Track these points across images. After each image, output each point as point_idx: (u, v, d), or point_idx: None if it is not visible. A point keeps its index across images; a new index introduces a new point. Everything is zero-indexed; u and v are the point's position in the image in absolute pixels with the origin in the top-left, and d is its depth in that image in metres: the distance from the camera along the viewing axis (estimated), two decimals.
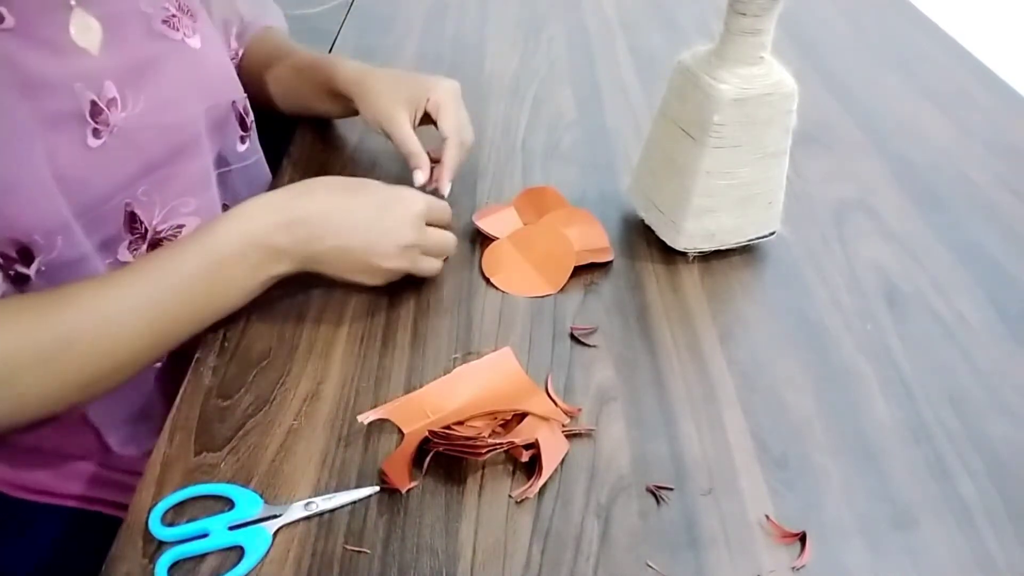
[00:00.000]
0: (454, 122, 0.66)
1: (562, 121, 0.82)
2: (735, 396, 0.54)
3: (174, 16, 0.60)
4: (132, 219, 0.58)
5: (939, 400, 0.54)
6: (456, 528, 0.46)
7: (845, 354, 0.58)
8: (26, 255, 0.51)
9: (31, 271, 0.52)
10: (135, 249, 0.59)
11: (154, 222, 0.59)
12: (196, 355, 0.55)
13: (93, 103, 0.53)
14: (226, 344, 0.56)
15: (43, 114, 0.50)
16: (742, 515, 0.47)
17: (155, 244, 0.60)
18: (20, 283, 0.52)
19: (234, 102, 0.66)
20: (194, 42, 0.61)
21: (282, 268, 0.54)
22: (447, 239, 0.59)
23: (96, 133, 0.53)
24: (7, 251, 0.51)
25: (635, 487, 0.48)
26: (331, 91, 0.71)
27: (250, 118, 0.69)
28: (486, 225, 0.65)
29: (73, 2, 0.53)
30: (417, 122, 0.67)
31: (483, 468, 0.49)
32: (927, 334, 0.60)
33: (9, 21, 0.49)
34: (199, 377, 0.53)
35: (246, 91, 0.69)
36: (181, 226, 0.61)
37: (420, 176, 0.64)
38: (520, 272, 0.62)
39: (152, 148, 0.58)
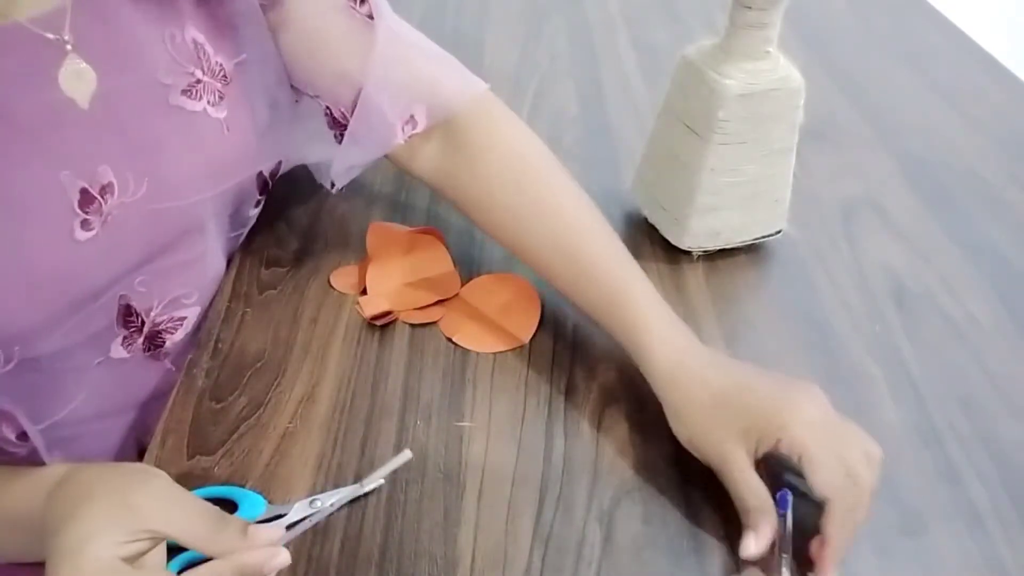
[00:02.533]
0: (830, 476, 0.43)
1: (564, 117, 0.81)
2: None
3: (199, 83, 0.51)
4: (127, 312, 0.52)
5: (949, 402, 0.54)
6: (455, 534, 0.45)
7: (853, 355, 0.57)
8: None
9: None
10: (129, 344, 0.53)
11: (152, 313, 0.53)
12: (189, 357, 0.54)
13: (83, 191, 0.46)
14: (219, 346, 0.55)
15: (21, 207, 0.45)
16: None
17: (153, 337, 0.54)
18: None
19: (260, 172, 0.58)
20: (217, 112, 0.52)
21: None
22: None
23: (85, 225, 0.46)
24: None
25: (638, 491, 0.47)
26: (628, 345, 0.51)
27: (273, 180, 0.60)
28: (340, 286, 0.59)
29: (68, 47, 0.46)
30: (759, 456, 0.45)
31: (483, 472, 0.48)
32: (937, 335, 0.58)
33: None
34: (192, 379, 0.53)
35: (442, 194, 0.58)
36: (183, 319, 0.55)
37: (751, 545, 0.43)
38: (483, 327, 0.56)
39: (152, 236, 0.51)
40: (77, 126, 0.47)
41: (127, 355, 0.53)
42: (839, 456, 0.43)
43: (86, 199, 0.47)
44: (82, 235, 0.47)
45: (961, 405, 0.53)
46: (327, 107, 0.58)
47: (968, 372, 0.56)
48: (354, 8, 0.55)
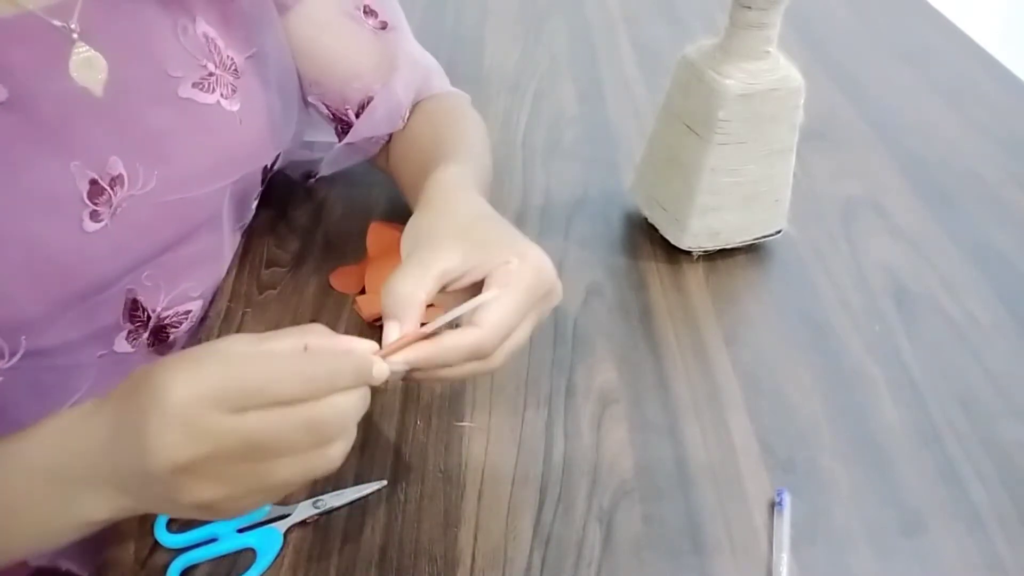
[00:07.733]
0: (500, 318, 0.40)
1: (563, 117, 0.81)
2: (740, 398, 0.53)
3: (212, 75, 0.52)
4: (133, 306, 0.52)
5: (949, 402, 0.53)
6: (455, 534, 0.45)
7: (853, 355, 0.56)
8: None
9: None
10: (135, 339, 0.53)
11: (158, 308, 0.53)
12: None
13: (93, 182, 0.46)
14: None
15: (31, 197, 0.45)
16: (747, 520, 0.46)
17: (158, 331, 0.54)
18: None
19: (265, 166, 0.59)
20: (231, 104, 0.53)
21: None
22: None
23: (95, 216, 0.47)
24: None
25: (638, 492, 0.47)
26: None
27: (273, 169, 0.61)
28: (340, 286, 0.59)
29: (75, 35, 0.46)
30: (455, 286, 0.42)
31: (483, 472, 0.48)
32: (937, 335, 0.58)
33: (1, 94, 0.43)
34: None
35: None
36: (188, 312, 0.56)
37: (393, 330, 0.41)
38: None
39: (163, 229, 0.51)
40: (92, 115, 0.47)
41: (131, 349, 0.53)
42: (509, 306, 0.40)
43: (95, 190, 0.47)
44: (91, 226, 0.47)
45: (961, 405, 0.53)
46: (326, 104, 0.62)
47: (968, 372, 0.56)
48: (364, 17, 0.59)
